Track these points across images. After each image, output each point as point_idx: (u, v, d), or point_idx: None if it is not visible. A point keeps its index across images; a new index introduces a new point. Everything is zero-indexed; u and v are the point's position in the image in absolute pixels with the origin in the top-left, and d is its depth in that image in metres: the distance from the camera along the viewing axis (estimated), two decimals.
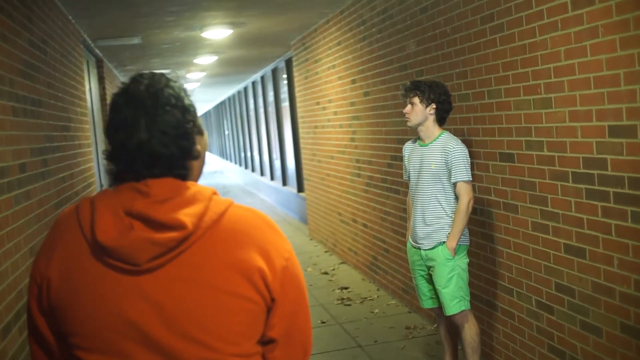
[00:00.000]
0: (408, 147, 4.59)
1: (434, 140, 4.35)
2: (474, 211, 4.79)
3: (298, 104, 11.03)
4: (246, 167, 21.75)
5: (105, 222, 1.49)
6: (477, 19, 4.64)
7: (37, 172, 4.52)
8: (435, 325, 5.90)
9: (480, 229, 4.85)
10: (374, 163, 7.27)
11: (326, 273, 8.46)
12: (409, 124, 4.41)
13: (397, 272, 6.93)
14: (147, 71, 1.62)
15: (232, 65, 13.25)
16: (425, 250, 4.37)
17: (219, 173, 30.26)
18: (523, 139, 4.24)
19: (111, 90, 11.04)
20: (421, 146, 4.42)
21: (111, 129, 1.56)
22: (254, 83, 17.80)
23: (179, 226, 1.47)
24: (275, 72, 14.35)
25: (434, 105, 4.33)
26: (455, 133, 4.84)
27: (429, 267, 4.39)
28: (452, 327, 4.60)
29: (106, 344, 1.51)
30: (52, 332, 1.60)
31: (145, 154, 1.52)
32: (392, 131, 6.61)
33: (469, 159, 4.26)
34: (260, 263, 1.53)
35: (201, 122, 1.65)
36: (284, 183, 14.45)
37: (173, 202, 1.50)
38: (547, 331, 4.20)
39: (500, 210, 4.62)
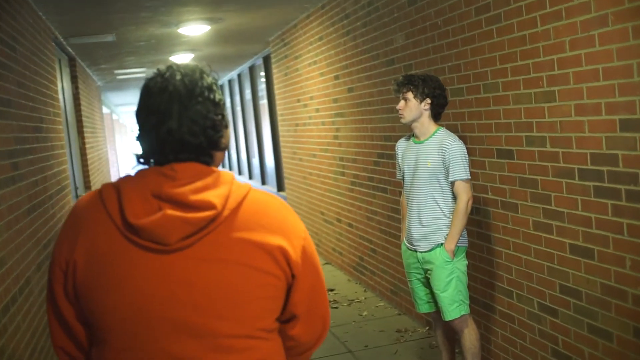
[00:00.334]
0: (401, 145, 4.37)
1: (430, 137, 4.14)
2: (470, 210, 4.58)
3: (277, 102, 10.78)
4: (223, 166, 21.46)
5: (134, 204, 1.54)
6: (472, 10, 4.43)
7: (7, 176, 4.24)
8: (428, 327, 5.71)
9: (477, 228, 4.65)
10: (359, 161, 7.05)
11: None
12: (402, 120, 4.19)
13: (385, 273, 6.72)
14: (182, 62, 1.68)
15: (209, 62, 12.93)
16: (422, 252, 4.15)
17: None
18: (523, 134, 4.04)
19: (85, 89, 10.72)
20: (416, 143, 4.21)
21: (143, 113, 1.62)
22: (230, 81, 17.52)
23: (208, 206, 1.54)
24: (252, 70, 14.09)
25: (428, 100, 4.12)
26: (448, 129, 4.62)
27: (425, 270, 4.18)
28: (450, 332, 4.39)
29: (134, 324, 1.55)
30: (77, 317, 1.66)
31: (175, 141, 1.58)
32: (378, 128, 6.39)
33: (467, 156, 4.06)
34: (281, 242, 1.62)
35: (228, 115, 1.72)
36: (263, 182, 14.20)
37: (200, 185, 1.56)
38: (550, 335, 4.01)
39: (498, 209, 4.42)
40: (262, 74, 12.87)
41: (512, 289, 4.38)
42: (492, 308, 4.64)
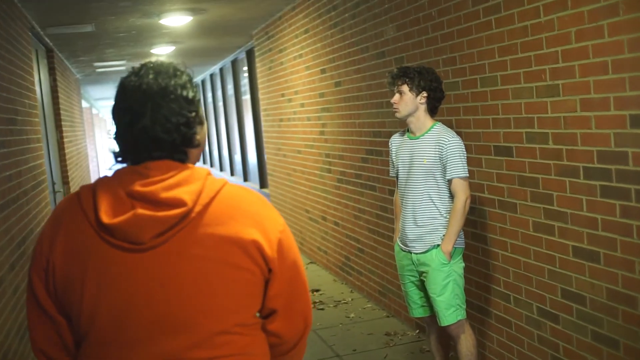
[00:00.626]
0: (395, 141, 4.16)
1: (426, 133, 3.93)
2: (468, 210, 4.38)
3: (261, 97, 10.54)
4: (204, 162, 21.17)
5: (108, 204, 1.57)
6: (469, 0, 4.23)
7: None
8: (418, 331, 5.52)
9: (472, 229, 4.45)
10: (347, 158, 6.84)
11: None
12: (397, 115, 3.98)
13: (372, 274, 6.51)
14: (156, 59, 1.70)
15: (190, 56, 12.69)
16: (416, 254, 3.95)
17: None
18: (523, 130, 3.84)
19: (63, 81, 10.42)
20: (411, 139, 4.00)
21: (118, 112, 1.64)
22: (212, 75, 17.25)
23: (179, 203, 1.56)
24: (235, 64, 13.83)
25: (424, 94, 3.91)
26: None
27: (420, 273, 3.98)
28: (445, 337, 4.20)
29: (112, 322, 1.58)
30: (60, 313, 1.66)
31: (149, 138, 1.60)
32: (367, 123, 6.18)
33: (465, 153, 3.86)
34: (256, 236, 1.62)
35: (203, 112, 1.73)
36: (245, 179, 13.95)
37: (171, 182, 1.59)
38: (550, 341, 3.82)
39: (495, 208, 4.22)
40: (245, 68, 12.62)
41: (509, 293, 4.19)
42: (488, 312, 4.44)
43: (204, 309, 1.59)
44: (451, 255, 3.85)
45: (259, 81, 10.60)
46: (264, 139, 10.73)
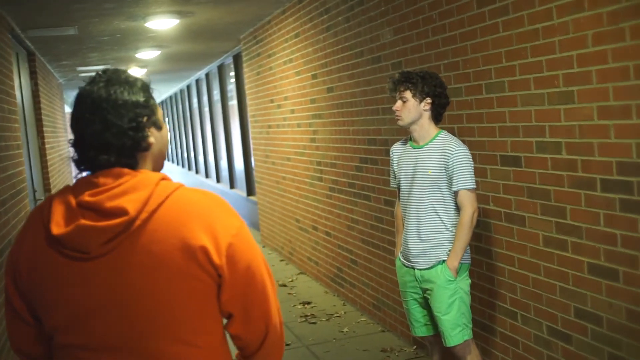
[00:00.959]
0: (397, 150, 3.94)
1: (430, 141, 3.71)
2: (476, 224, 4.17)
3: (249, 102, 10.29)
4: (189, 169, 20.88)
5: (60, 214, 1.61)
6: (473, 2, 4.02)
7: None
8: (416, 347, 5.29)
9: (476, 242, 4.23)
10: (339, 166, 6.61)
11: (284, 285, 7.77)
12: (400, 122, 3.76)
13: (366, 286, 6.28)
14: (111, 68, 1.75)
15: (176, 61, 12.43)
16: (420, 270, 3.72)
17: None
18: (534, 139, 3.63)
19: (45, 86, 10.12)
20: (414, 148, 3.78)
21: (72, 120, 1.68)
22: (197, 81, 16.98)
23: (121, 212, 1.57)
24: (221, 69, 13.58)
25: (428, 100, 3.69)
26: None
27: (424, 290, 3.75)
28: (449, 357, 3.97)
29: (70, 328, 1.63)
30: (31, 315, 1.72)
31: (99, 144, 1.64)
32: (361, 131, 5.96)
33: (472, 163, 3.64)
34: (204, 241, 1.59)
35: (160, 117, 1.76)
36: (232, 186, 13.69)
37: (118, 190, 1.60)
38: None
39: (501, 221, 4.01)
40: (232, 73, 12.37)
41: (516, 310, 3.97)
42: (492, 330, 4.22)
43: (152, 318, 1.60)
44: (457, 272, 3.63)
45: (246, 87, 10.36)
46: (252, 146, 10.48)
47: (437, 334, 3.88)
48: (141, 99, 1.69)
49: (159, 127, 1.74)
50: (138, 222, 1.58)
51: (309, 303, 6.94)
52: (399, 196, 3.96)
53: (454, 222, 3.67)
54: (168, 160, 28.95)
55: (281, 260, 9.10)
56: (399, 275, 3.91)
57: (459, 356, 3.72)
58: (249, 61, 9.93)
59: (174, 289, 1.59)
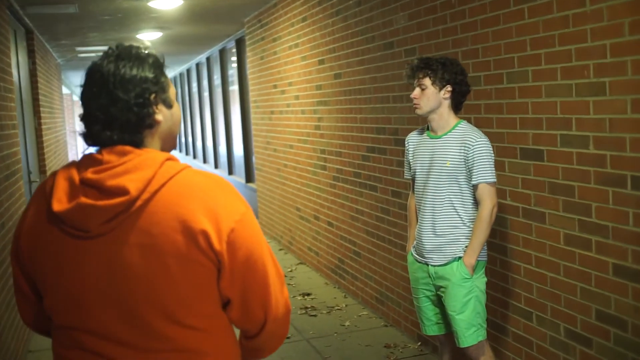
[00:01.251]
0: (413, 140, 3.75)
1: (450, 132, 3.53)
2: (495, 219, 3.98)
3: (251, 87, 10.08)
4: (187, 154, 20.67)
5: (62, 191, 1.59)
6: None
7: None
8: (420, 343, 5.13)
9: (490, 238, 4.02)
10: (345, 155, 6.42)
11: (284, 275, 7.58)
12: (418, 111, 3.57)
13: (369, 279, 6.11)
14: (122, 44, 1.72)
15: (177, 43, 12.20)
16: (434, 266, 3.55)
17: None
18: (558, 132, 3.45)
19: (43, 65, 9.89)
20: (432, 138, 3.59)
21: (81, 95, 1.67)
22: (198, 65, 16.74)
23: (121, 192, 1.54)
24: (223, 53, 13.35)
25: (449, 88, 3.51)
26: None
27: (438, 287, 3.58)
28: (459, 357, 3.80)
29: (70, 306, 1.62)
30: (34, 292, 1.74)
31: (103, 117, 1.62)
32: (370, 119, 5.77)
33: (493, 155, 3.46)
34: (205, 225, 1.56)
35: (172, 95, 1.73)
36: (230, 172, 13.49)
37: (120, 169, 1.57)
38: None
39: (518, 217, 3.83)
40: (234, 58, 12.15)
41: (531, 310, 3.80)
42: (504, 329, 4.06)
43: (150, 299, 1.57)
44: (474, 269, 3.46)
45: (249, 71, 10.15)
46: (253, 132, 10.28)
47: (448, 334, 3.71)
48: (150, 75, 1.66)
49: (169, 105, 1.71)
50: (139, 203, 1.56)
51: (308, 294, 6.77)
52: (413, 188, 3.78)
53: (472, 217, 3.49)
54: None
55: (280, 250, 8.92)
56: (411, 271, 3.74)
57: (472, 357, 3.55)
58: (252, 45, 9.72)
59: (173, 272, 1.57)
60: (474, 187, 3.45)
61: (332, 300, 6.56)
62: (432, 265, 3.56)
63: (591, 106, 3.21)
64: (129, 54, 1.67)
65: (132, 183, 1.55)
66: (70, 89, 21.81)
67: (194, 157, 19.12)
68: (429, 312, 3.70)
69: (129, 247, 1.57)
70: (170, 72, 21.26)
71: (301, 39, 7.45)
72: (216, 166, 15.23)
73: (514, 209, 3.86)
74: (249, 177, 11.73)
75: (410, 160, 3.73)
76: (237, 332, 1.82)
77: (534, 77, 3.60)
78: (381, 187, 5.66)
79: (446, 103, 3.52)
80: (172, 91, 1.74)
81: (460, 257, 3.47)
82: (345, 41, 6.17)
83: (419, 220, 3.65)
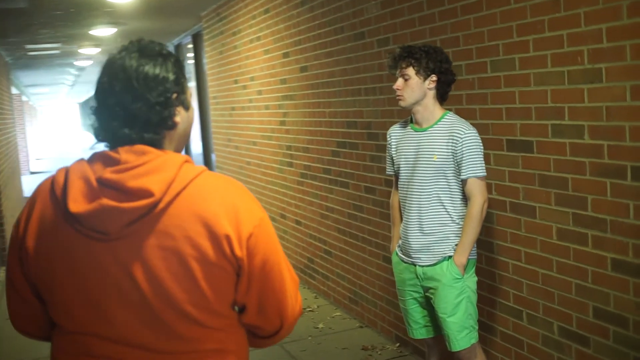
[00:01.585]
0: (396, 133, 3.55)
1: (436, 124, 3.34)
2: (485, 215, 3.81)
3: (210, 83, 9.80)
4: None
5: (77, 191, 1.54)
6: None
7: None
8: (399, 344, 4.95)
9: None
10: (313, 150, 6.21)
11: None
12: (402, 103, 3.38)
13: (341, 279, 5.92)
14: (145, 39, 1.68)
15: (132, 39, 11.82)
16: (423, 266, 3.36)
17: None
18: (549, 122, 3.29)
19: None
20: (417, 131, 3.40)
21: (99, 86, 1.63)
22: None
23: (146, 194, 1.52)
24: (178, 49, 13.02)
25: (434, 77, 3.32)
26: None
27: (426, 289, 3.39)
28: None
29: (83, 310, 1.58)
30: (34, 295, 1.67)
31: (123, 114, 1.58)
32: (340, 113, 5.57)
33: (482, 148, 3.29)
34: (227, 229, 1.55)
35: (189, 97, 1.70)
36: None
37: (142, 169, 1.54)
38: None
39: (505, 212, 3.67)
40: (191, 54, 11.84)
41: (521, 308, 3.65)
42: (491, 329, 3.90)
43: (172, 301, 1.55)
44: (465, 269, 3.28)
45: (207, 67, 9.86)
46: (212, 129, 10.00)
47: (437, 337, 3.54)
48: (172, 75, 1.63)
49: (186, 107, 1.69)
50: (161, 205, 1.53)
51: None
52: (396, 184, 3.59)
53: (461, 214, 3.31)
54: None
55: None
56: (396, 272, 3.55)
57: None
58: (210, 40, 9.43)
59: (196, 274, 1.55)
60: (463, 182, 3.27)
61: (303, 301, 6.30)
62: (420, 266, 3.37)
63: (586, 94, 3.06)
64: (152, 52, 1.63)
65: (155, 185, 1.52)
66: (19, 89, 21.16)
67: None
68: (416, 314, 3.51)
69: (150, 249, 1.54)
70: None
71: (263, 32, 7.21)
72: None
73: (501, 204, 3.69)
74: None
75: (394, 155, 3.53)
76: None
77: (521, 65, 3.43)
78: (353, 183, 5.46)
79: (431, 93, 3.34)
80: (189, 92, 1.71)
81: (450, 257, 3.29)
82: (311, 32, 5.95)
83: (404, 219, 3.46)
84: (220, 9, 8.71)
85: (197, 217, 1.54)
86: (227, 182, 1.64)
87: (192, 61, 11.67)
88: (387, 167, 3.64)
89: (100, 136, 1.63)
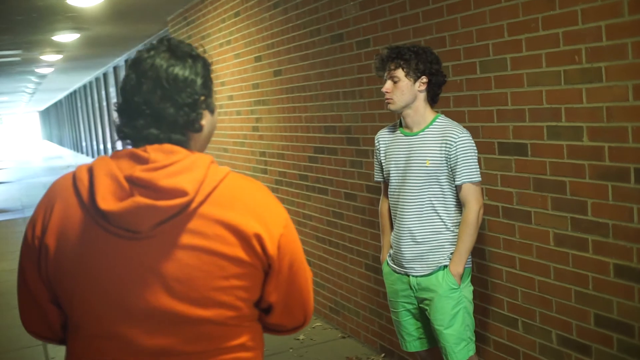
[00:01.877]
0: (384, 138, 3.41)
1: (427, 128, 3.20)
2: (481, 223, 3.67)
3: None
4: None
5: (106, 188, 1.52)
6: None
7: None
8: (384, 355, 4.81)
9: None
10: (289, 157, 6.04)
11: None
12: (391, 107, 3.23)
13: (321, 288, 5.76)
14: (174, 39, 1.66)
15: (95, 45, 11.56)
16: (417, 277, 3.22)
17: (72, 168, 27.90)
18: (544, 124, 3.18)
19: None
20: (407, 136, 3.26)
21: (126, 84, 1.61)
22: (115, 68, 16.06)
23: (180, 193, 1.51)
24: None
25: (424, 79, 3.18)
26: None
27: (420, 300, 3.25)
28: None
29: (106, 311, 1.55)
30: (50, 299, 1.63)
31: (150, 112, 1.57)
32: (317, 117, 5.41)
33: (477, 152, 3.16)
34: (258, 229, 1.56)
35: (214, 100, 1.70)
36: None
37: (173, 169, 1.53)
38: None
39: (498, 217, 3.55)
40: None
41: (516, 317, 3.53)
42: (485, 338, 3.76)
43: (200, 301, 1.55)
44: (461, 278, 3.15)
45: None
46: None
47: (431, 349, 3.40)
48: (201, 77, 1.62)
49: (212, 111, 1.68)
50: (194, 205, 1.53)
51: None
52: (385, 191, 3.45)
53: (456, 221, 3.18)
54: (82, 152, 27.77)
55: None
56: (388, 283, 3.40)
57: None
58: None
59: (224, 273, 1.55)
60: (458, 188, 3.14)
61: None
62: (413, 276, 3.23)
63: (584, 94, 2.94)
64: (182, 52, 1.61)
65: (188, 184, 1.52)
66: None
67: None
68: (409, 327, 3.37)
69: (181, 249, 1.53)
70: (86, 77, 20.41)
71: (234, 36, 7.03)
72: None
73: (493, 209, 3.57)
74: None
75: (382, 161, 3.39)
76: None
77: (513, 65, 3.31)
78: (332, 189, 5.31)
79: (422, 96, 3.20)
80: (215, 97, 1.71)
81: (445, 266, 3.16)
82: (285, 35, 5.79)
83: (395, 227, 3.31)
84: (187, 13, 8.51)
85: (227, 217, 1.54)
86: (253, 183, 1.66)
87: None
88: (376, 174, 3.49)
89: (122, 134, 1.61)
